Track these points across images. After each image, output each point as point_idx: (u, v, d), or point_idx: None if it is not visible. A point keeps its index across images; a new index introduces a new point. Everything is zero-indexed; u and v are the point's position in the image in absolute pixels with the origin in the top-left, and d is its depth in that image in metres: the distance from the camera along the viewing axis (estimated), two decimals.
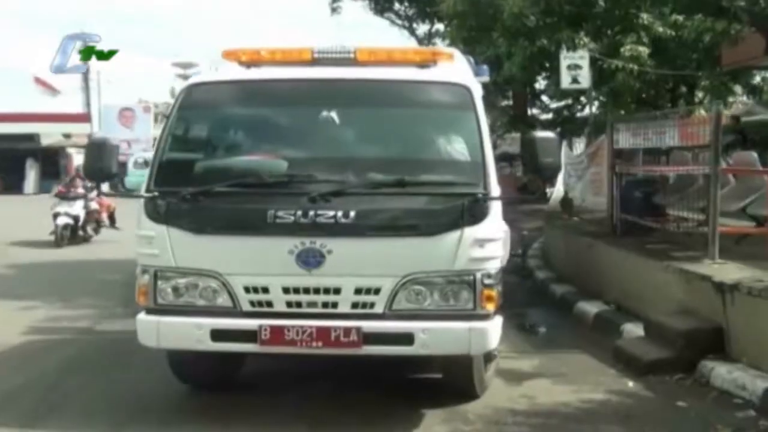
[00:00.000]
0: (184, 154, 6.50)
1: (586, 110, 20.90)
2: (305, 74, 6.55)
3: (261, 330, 5.72)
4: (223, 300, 5.87)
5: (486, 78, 10.28)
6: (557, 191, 18.28)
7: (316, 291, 5.78)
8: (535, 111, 28.10)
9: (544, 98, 27.16)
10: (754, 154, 11.18)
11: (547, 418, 6.31)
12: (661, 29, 14.48)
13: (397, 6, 28.46)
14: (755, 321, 7.00)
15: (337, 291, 5.75)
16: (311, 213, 5.66)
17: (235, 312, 5.85)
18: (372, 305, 5.75)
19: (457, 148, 6.27)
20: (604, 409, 6.57)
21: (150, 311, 5.97)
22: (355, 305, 5.76)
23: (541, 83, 23.39)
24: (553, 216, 15.67)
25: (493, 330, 5.84)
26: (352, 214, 5.67)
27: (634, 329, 8.57)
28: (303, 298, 5.79)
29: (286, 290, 5.79)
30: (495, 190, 5.91)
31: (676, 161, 11.43)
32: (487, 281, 5.77)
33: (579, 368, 7.77)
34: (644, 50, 14.58)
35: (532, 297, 11.73)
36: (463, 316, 5.76)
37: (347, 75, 6.48)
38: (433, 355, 5.95)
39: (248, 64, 6.76)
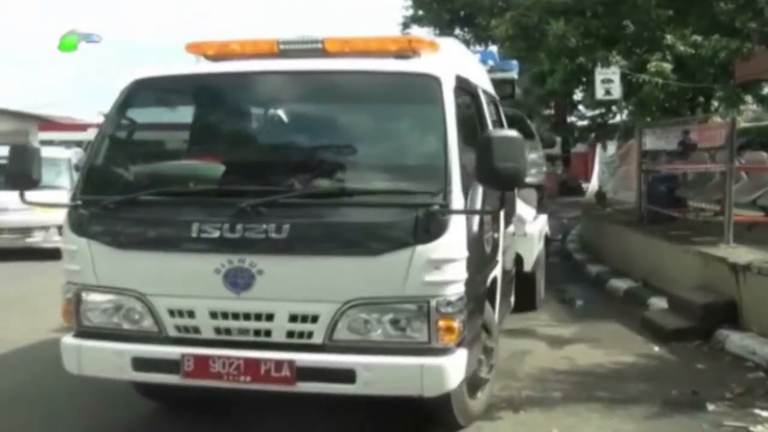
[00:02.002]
0: (119, 159, 4.99)
1: (617, 117, 20.64)
2: (256, 67, 4.95)
3: (184, 360, 4.27)
4: (148, 324, 4.41)
5: (513, 74, 9.41)
6: (592, 186, 18.12)
7: (246, 317, 4.27)
8: (573, 118, 27.86)
9: (581, 108, 26.91)
10: (764, 154, 10.96)
11: (585, 376, 6.21)
12: (682, 48, 14.26)
13: (457, 31, 28.29)
14: (764, 296, 6.80)
15: (269, 317, 4.24)
16: (239, 227, 4.19)
17: (160, 338, 4.39)
18: (309, 335, 4.20)
19: (416, 149, 4.65)
20: (633, 369, 6.45)
21: (75, 334, 4.60)
22: (290, 334, 4.22)
23: (578, 95, 23.15)
24: (588, 207, 15.59)
25: (452, 367, 4.20)
26: (286, 228, 4.15)
27: (658, 302, 8.40)
28: (232, 324, 4.29)
29: (213, 315, 4.29)
30: (458, 200, 4.22)
31: (695, 160, 11.23)
32: (444, 309, 4.13)
33: (611, 335, 7.63)
34: (668, 66, 14.38)
35: (571, 275, 11.58)
36: (415, 350, 4.17)
37: (299, 67, 4.84)
38: (380, 395, 4.28)
39: (213, 58, 5.17)
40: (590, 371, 6.36)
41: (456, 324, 4.17)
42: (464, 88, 5.08)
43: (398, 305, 4.16)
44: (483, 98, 5.76)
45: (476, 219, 4.63)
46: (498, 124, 6.54)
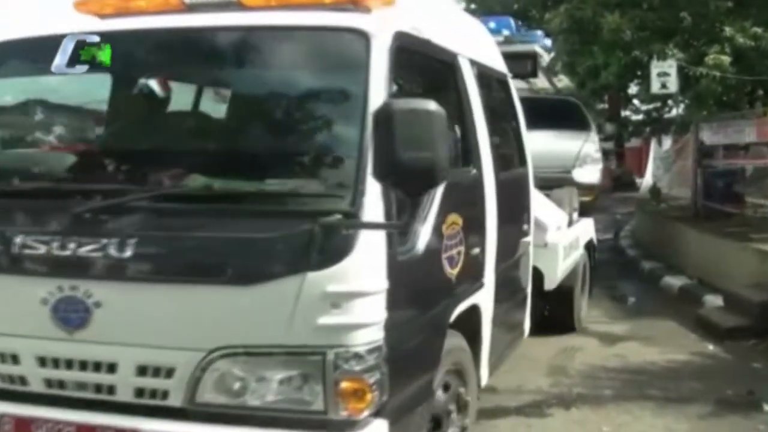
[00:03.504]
0: None
1: (673, 112, 20.31)
2: (124, 26, 3.59)
3: (2, 422, 3.17)
4: None
5: (534, 47, 7.80)
6: (646, 181, 17.89)
7: (83, 366, 3.08)
8: (627, 112, 27.52)
9: (636, 101, 26.55)
10: None
11: (637, 374, 6.14)
12: (741, 40, 13.96)
13: None
14: None
15: (111, 368, 3.05)
16: (72, 241, 3.02)
17: None
18: (164, 394, 3.01)
19: (324, 134, 3.32)
20: (687, 368, 6.36)
21: None
22: (139, 392, 3.04)
23: (633, 88, 22.85)
24: (642, 203, 15.43)
25: None
26: (131, 244, 2.98)
27: (714, 300, 8.26)
28: (66, 375, 3.11)
29: (42, 361, 3.13)
30: (374, 206, 2.98)
31: (754, 155, 11.01)
32: (348, 366, 2.89)
33: (664, 333, 7.52)
34: (726, 59, 14.10)
35: (623, 271, 11.42)
36: (308, 422, 2.95)
37: (178, 24, 3.53)
38: None
39: (111, 17, 3.69)
40: (642, 369, 6.29)
41: (368, 385, 2.94)
42: (421, 52, 3.74)
43: (282, 358, 2.94)
44: (470, 72, 4.37)
45: (425, 230, 3.42)
46: (505, 110, 5.41)
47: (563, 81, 20.63)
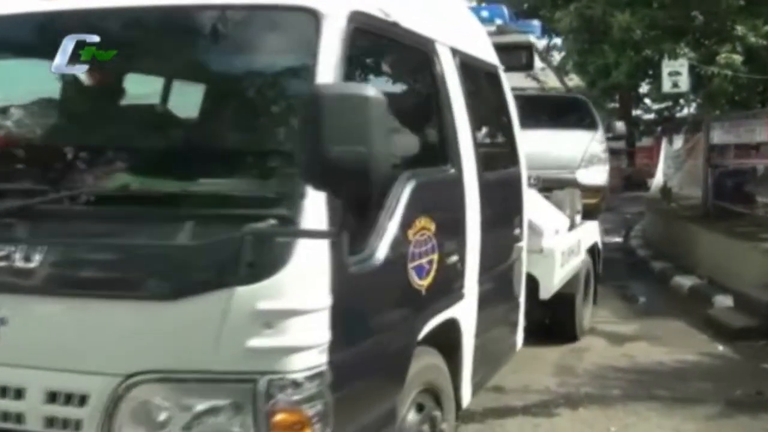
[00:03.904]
0: None
1: (685, 111, 20.27)
2: (79, 5, 3.12)
3: None
4: None
5: (530, 37, 6.96)
6: (657, 181, 17.84)
7: None
8: (638, 112, 27.47)
9: (647, 101, 26.49)
10: None
11: (645, 374, 6.11)
12: (753, 39, 13.90)
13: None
14: None
15: (19, 393, 2.65)
16: None
17: None
18: (77, 425, 2.59)
19: (262, 128, 2.97)
20: (696, 368, 6.32)
21: None
22: (49, 422, 2.63)
23: (644, 88, 22.80)
24: (653, 202, 15.38)
25: None
26: (39, 252, 2.62)
27: (724, 300, 8.22)
28: None
29: None
30: (315, 210, 2.56)
31: (765, 155, 10.96)
32: (283, 396, 2.50)
33: (674, 333, 7.48)
34: (738, 58, 14.05)
35: (633, 271, 11.38)
36: None
37: (132, 3, 3.11)
38: None
39: None
40: (651, 369, 6.27)
41: (307, 418, 2.53)
42: (388, 37, 3.29)
43: (208, 385, 2.55)
44: (450, 62, 3.87)
45: (386, 237, 2.99)
46: (494, 105, 5.02)
47: (574, 80, 20.61)
